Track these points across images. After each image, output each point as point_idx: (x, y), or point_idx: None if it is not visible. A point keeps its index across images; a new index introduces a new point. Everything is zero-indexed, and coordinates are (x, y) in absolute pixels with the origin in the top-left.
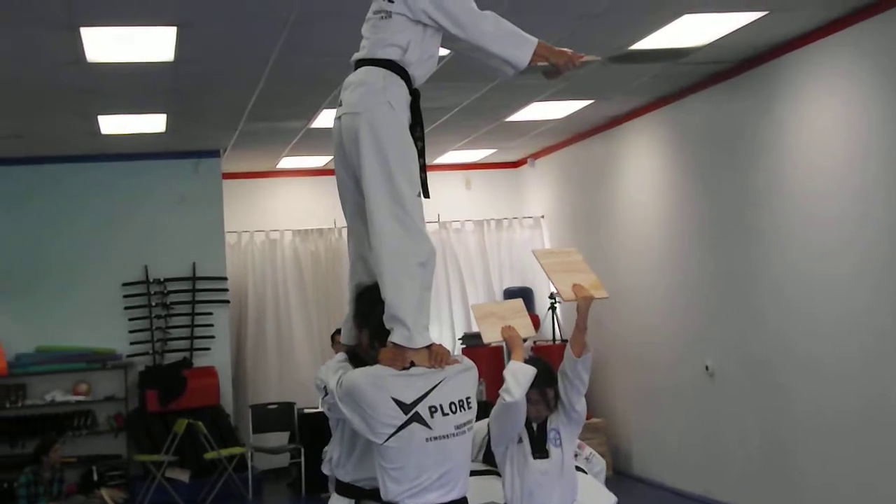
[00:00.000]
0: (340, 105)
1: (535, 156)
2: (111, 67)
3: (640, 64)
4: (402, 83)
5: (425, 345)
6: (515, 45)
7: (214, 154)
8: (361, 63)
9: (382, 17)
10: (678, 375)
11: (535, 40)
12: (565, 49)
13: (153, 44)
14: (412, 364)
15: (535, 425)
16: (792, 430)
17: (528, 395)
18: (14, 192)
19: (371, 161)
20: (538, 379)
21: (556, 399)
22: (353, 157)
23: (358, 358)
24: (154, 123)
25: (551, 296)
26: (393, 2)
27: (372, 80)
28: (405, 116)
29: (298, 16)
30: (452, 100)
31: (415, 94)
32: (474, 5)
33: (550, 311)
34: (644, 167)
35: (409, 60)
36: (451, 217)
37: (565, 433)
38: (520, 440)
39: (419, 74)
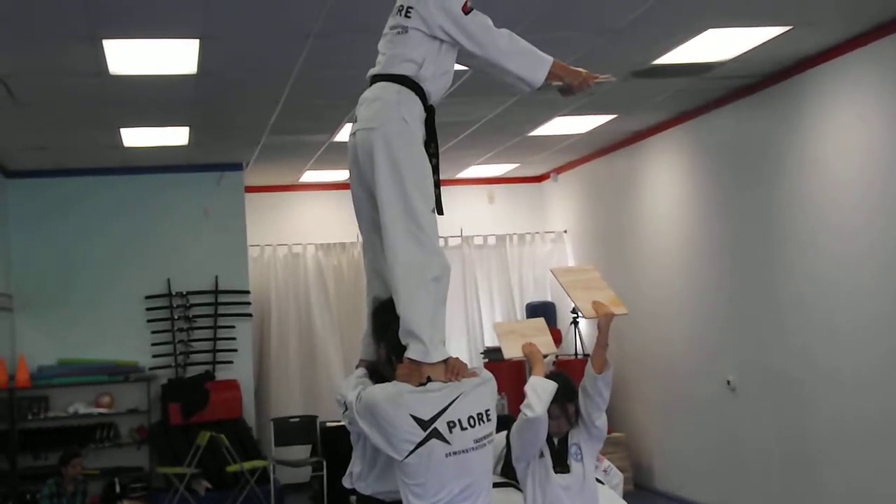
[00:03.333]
0: (356, 121)
1: (558, 170)
2: (134, 80)
3: (663, 78)
4: (417, 99)
5: (441, 359)
6: (531, 63)
7: (237, 167)
8: (377, 79)
9: (399, 33)
10: (700, 389)
11: (550, 59)
12: (580, 69)
13: (176, 56)
14: (429, 379)
15: (556, 440)
16: (814, 443)
17: (549, 411)
18: (36, 205)
19: (385, 176)
20: (559, 394)
21: (576, 414)
22: (367, 173)
23: (378, 373)
24: (177, 136)
25: (573, 310)
26: (409, 17)
27: (386, 95)
28: (420, 132)
29: (321, 29)
30: (475, 114)
31: (429, 110)
32: (490, 22)
33: (572, 325)
34: (667, 182)
35: (424, 76)
36: (474, 231)
37: (586, 448)
38: (541, 455)
39: (434, 90)
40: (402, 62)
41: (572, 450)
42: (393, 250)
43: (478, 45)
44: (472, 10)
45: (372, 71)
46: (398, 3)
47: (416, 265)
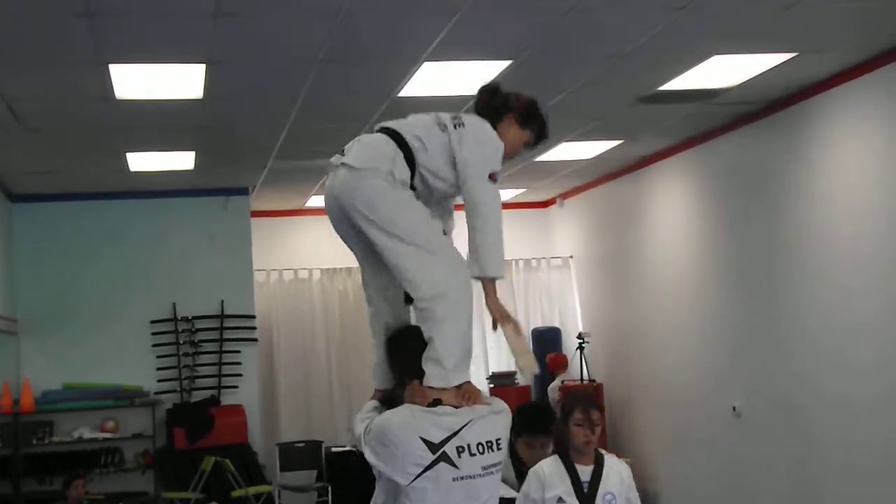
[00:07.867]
0: (343, 153)
1: (564, 196)
2: (140, 104)
3: (669, 104)
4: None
5: (458, 383)
6: (485, 258)
7: (243, 192)
8: (384, 130)
9: (440, 128)
10: (706, 416)
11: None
12: (510, 319)
13: (182, 81)
14: (438, 401)
15: (586, 485)
16: (820, 472)
17: (573, 416)
18: (42, 229)
19: (377, 231)
20: (580, 398)
21: (603, 429)
22: (347, 206)
23: (393, 402)
24: (183, 161)
25: (579, 335)
26: (456, 129)
27: (384, 149)
28: (406, 183)
29: (328, 54)
30: None
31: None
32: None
33: (578, 350)
34: (673, 208)
35: (421, 161)
36: None
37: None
38: (559, 500)
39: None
40: (414, 139)
41: (606, 497)
42: (414, 284)
43: (469, 208)
44: (496, 180)
45: (385, 123)
46: (452, 114)
47: (440, 291)
